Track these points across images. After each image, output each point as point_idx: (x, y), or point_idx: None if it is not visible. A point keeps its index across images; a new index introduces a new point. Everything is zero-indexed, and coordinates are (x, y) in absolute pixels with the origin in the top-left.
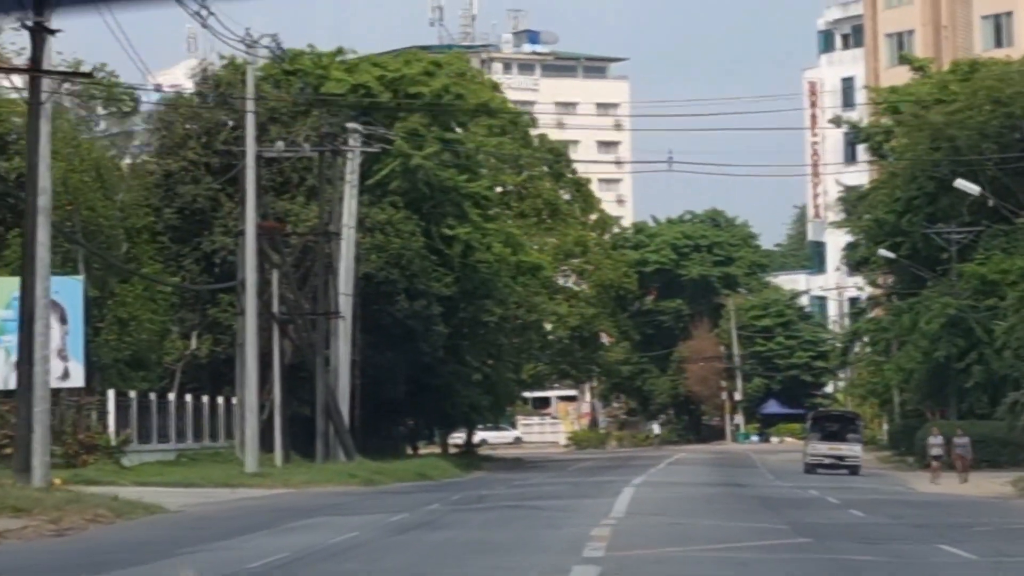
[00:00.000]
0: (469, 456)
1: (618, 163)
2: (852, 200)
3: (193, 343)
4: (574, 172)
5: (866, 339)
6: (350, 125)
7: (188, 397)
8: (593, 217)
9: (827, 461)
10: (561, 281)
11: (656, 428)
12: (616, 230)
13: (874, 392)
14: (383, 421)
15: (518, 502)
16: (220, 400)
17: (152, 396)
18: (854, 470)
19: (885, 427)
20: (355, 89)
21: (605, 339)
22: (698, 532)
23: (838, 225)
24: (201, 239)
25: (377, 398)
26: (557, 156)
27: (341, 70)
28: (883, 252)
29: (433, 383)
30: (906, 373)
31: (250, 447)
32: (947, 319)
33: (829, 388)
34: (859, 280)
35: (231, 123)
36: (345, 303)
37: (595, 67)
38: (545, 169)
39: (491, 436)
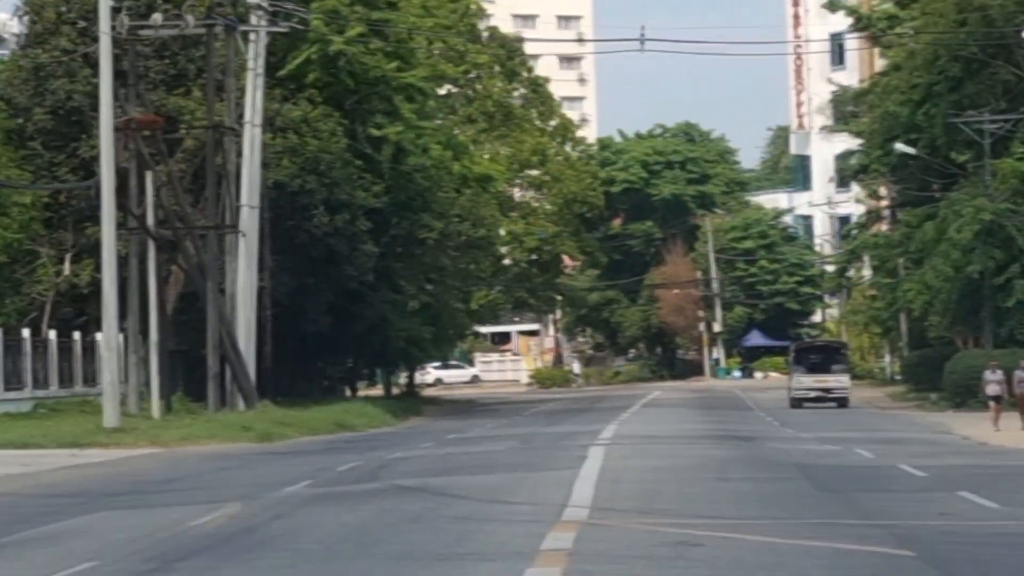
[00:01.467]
0: (410, 399)
1: (580, 40)
2: (848, 99)
3: (66, 268)
4: (530, 71)
5: (866, 258)
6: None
7: (52, 334)
8: (553, 123)
9: (813, 395)
10: (517, 196)
11: (619, 363)
12: (580, 145)
13: (876, 319)
14: (305, 360)
15: (427, 479)
16: (99, 337)
17: None
18: (842, 402)
19: (887, 359)
20: None
21: (568, 264)
22: (741, 563)
23: (833, 129)
24: (79, 143)
25: (295, 333)
26: (511, 52)
27: None
28: (901, 147)
29: (363, 313)
30: (931, 292)
31: (109, 395)
32: (982, 226)
33: (817, 317)
34: (851, 194)
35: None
36: (249, 217)
37: None
38: (496, 69)
39: (447, 375)
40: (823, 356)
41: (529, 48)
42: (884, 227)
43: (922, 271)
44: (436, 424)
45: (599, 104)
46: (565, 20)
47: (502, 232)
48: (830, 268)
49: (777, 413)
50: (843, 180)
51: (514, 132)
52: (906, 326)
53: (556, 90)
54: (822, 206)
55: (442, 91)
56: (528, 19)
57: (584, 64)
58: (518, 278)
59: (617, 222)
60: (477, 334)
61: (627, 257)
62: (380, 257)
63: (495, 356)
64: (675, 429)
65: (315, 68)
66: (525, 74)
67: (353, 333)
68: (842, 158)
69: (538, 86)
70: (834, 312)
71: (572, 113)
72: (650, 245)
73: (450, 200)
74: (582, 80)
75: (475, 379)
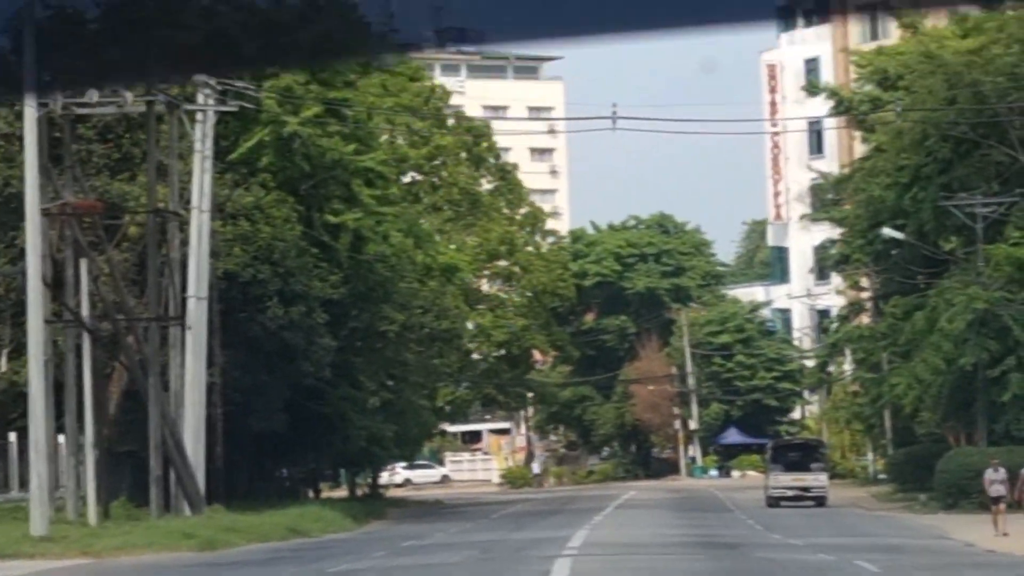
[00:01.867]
0: (374, 501)
1: (552, 126)
2: (830, 185)
3: (3, 365)
4: (498, 157)
5: (848, 352)
6: (199, 77)
7: None
8: (522, 212)
9: (791, 493)
10: (484, 288)
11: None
12: (551, 236)
13: (859, 416)
14: (263, 460)
15: None
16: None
17: None
18: (820, 501)
19: (870, 456)
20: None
21: (540, 360)
22: None
23: (813, 218)
24: (17, 232)
25: (249, 432)
26: (477, 137)
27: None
28: (888, 231)
29: (320, 411)
30: (922, 386)
31: (37, 501)
32: (975, 316)
33: (797, 414)
34: (831, 287)
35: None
36: (196, 308)
37: (526, 67)
38: (463, 155)
39: (416, 475)
40: (801, 454)
41: (500, 139)
42: (866, 319)
43: (912, 364)
44: (397, 529)
45: (571, 196)
46: (536, 110)
47: (469, 325)
48: (810, 363)
49: (759, 515)
50: (822, 272)
51: (481, 221)
52: (890, 422)
53: (527, 183)
54: (801, 298)
55: (406, 179)
56: (498, 109)
57: (556, 156)
58: (486, 374)
59: (590, 316)
60: (444, 433)
61: (600, 353)
62: (338, 351)
63: (466, 455)
64: (652, 535)
65: (268, 151)
66: (492, 160)
67: (311, 432)
68: (821, 249)
69: (506, 173)
70: (814, 408)
71: (544, 206)
72: (624, 340)
73: (412, 291)
74: (554, 172)
75: (445, 479)
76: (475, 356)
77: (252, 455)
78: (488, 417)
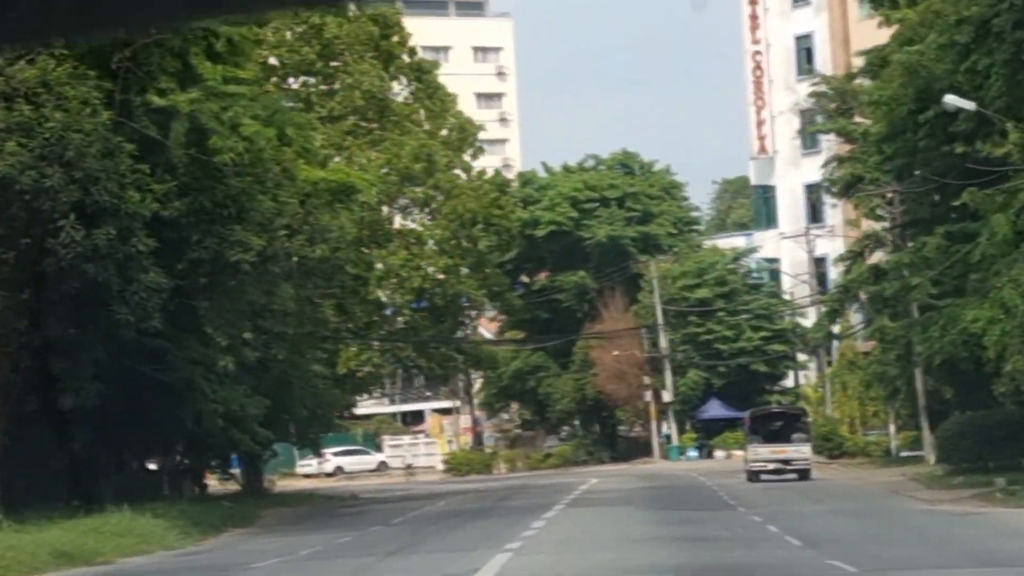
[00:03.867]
0: (251, 499)
1: (501, 75)
2: (840, 86)
3: None
4: (413, 54)
5: (868, 294)
6: None
7: None
8: (447, 128)
9: (771, 466)
10: (398, 222)
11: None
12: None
13: (882, 378)
14: (115, 450)
15: None
16: None
17: None
18: (803, 474)
19: (892, 430)
20: None
21: (484, 328)
22: None
23: (816, 130)
24: None
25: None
26: (386, 29)
27: None
28: (954, 100)
29: (157, 379)
30: (1010, 320)
31: None
32: None
33: (789, 381)
34: (829, 228)
35: None
36: None
37: (470, 2)
38: (370, 56)
39: (348, 462)
40: (781, 424)
41: (445, 81)
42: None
43: (996, 291)
44: (244, 545)
45: (524, 148)
46: (483, 52)
47: (379, 267)
48: (806, 321)
49: (778, 514)
50: (816, 213)
51: (392, 134)
52: (922, 387)
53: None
54: (797, 237)
55: (295, 83)
56: (440, 50)
57: (505, 102)
58: (404, 333)
59: (543, 275)
60: (350, 411)
61: (555, 315)
62: (175, 294)
63: (407, 439)
64: (617, 558)
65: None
66: (407, 59)
67: (150, 407)
68: (814, 188)
69: (424, 73)
70: (811, 375)
71: (493, 159)
72: (583, 299)
73: (277, 207)
74: (503, 120)
75: (383, 467)
76: (390, 312)
77: (99, 442)
78: (429, 395)
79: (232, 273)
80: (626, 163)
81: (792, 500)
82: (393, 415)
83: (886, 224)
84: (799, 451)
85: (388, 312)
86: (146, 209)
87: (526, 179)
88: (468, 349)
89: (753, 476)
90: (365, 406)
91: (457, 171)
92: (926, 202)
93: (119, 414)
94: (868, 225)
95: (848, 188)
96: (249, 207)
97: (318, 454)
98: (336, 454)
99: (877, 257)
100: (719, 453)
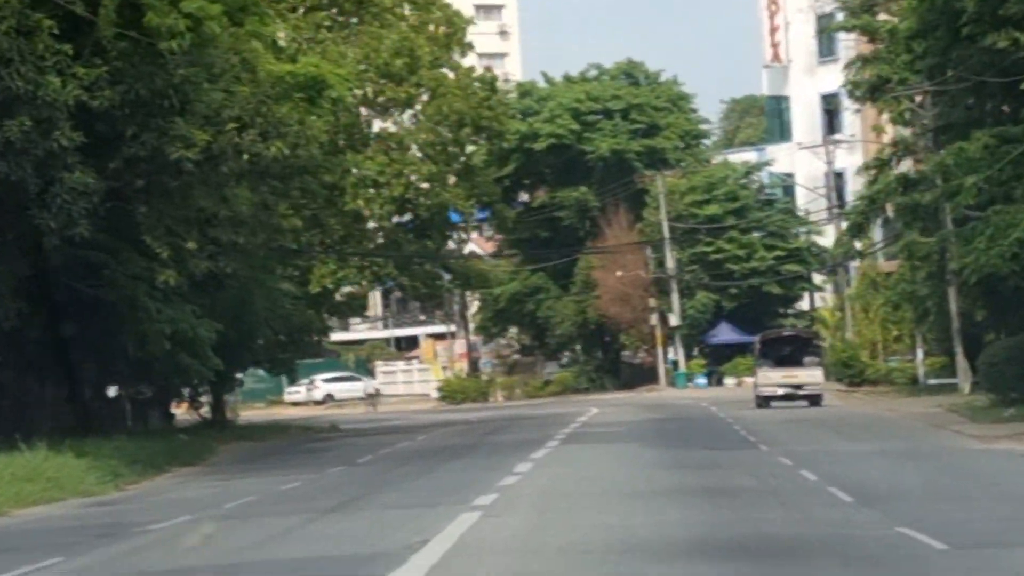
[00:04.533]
0: (212, 430)
1: None
2: None
3: None
4: None
5: (897, 205)
6: None
7: None
8: (433, 23)
9: (781, 392)
10: (377, 126)
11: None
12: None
13: (911, 298)
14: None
15: None
16: None
17: None
18: (814, 400)
19: (919, 353)
20: None
21: (480, 247)
22: None
23: (849, 25)
24: None
25: None
26: None
27: None
28: None
29: (94, 296)
30: None
31: None
32: None
33: (804, 304)
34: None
35: None
36: None
37: None
38: None
39: (339, 389)
40: (793, 348)
41: None
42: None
43: None
44: (174, 491)
45: (525, 63)
46: None
47: (354, 171)
48: (823, 240)
49: (810, 455)
50: (832, 125)
51: (372, 27)
52: (956, 306)
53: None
54: (815, 147)
55: None
56: None
57: (505, 14)
58: (385, 247)
59: (540, 194)
60: (325, 334)
61: (555, 234)
62: (108, 196)
63: (400, 365)
64: (616, 523)
65: None
66: None
67: (91, 330)
68: (831, 99)
69: None
70: (827, 297)
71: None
72: (584, 216)
73: (226, 97)
74: (503, 33)
75: (376, 394)
76: (372, 225)
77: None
78: (423, 318)
79: (174, 173)
80: (631, 73)
81: (821, 436)
82: (387, 340)
83: (915, 131)
84: (811, 375)
85: (370, 226)
86: (69, 97)
87: (525, 90)
88: (456, 267)
89: (763, 401)
90: (358, 330)
91: (444, 70)
92: (960, 104)
93: (48, 337)
94: (895, 133)
95: (873, 91)
96: (194, 98)
97: (293, 381)
98: (327, 381)
99: (905, 166)
100: (729, 380)
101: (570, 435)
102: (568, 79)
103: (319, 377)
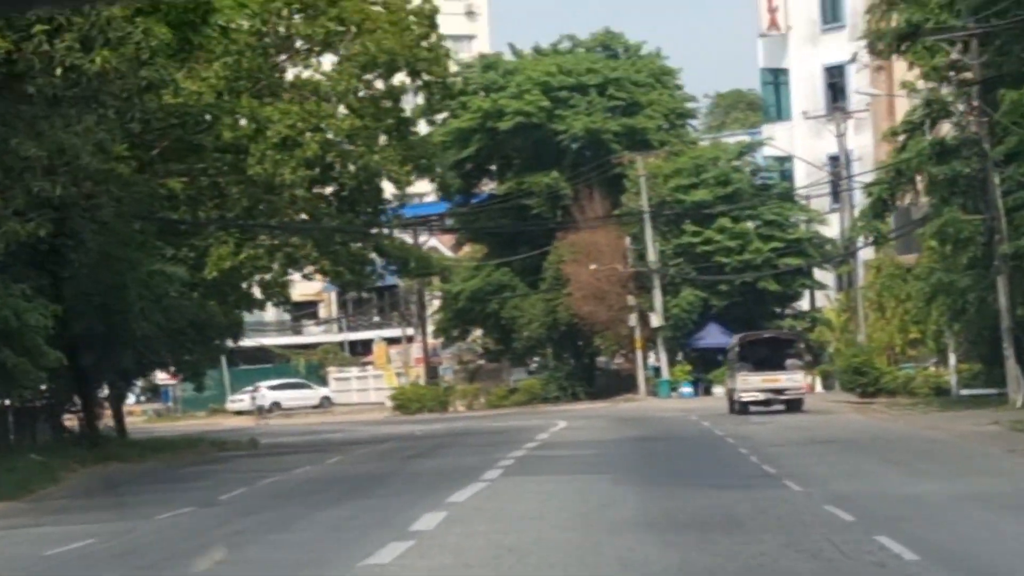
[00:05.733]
0: (78, 447)
1: None
2: None
3: None
4: None
5: (932, 176)
6: None
7: None
8: None
9: (761, 397)
10: (291, 74)
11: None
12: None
13: (948, 289)
14: None
15: None
16: None
17: None
18: (794, 406)
19: (952, 362)
20: None
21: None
22: None
23: None
24: None
25: None
26: None
27: None
28: None
29: None
30: None
31: None
32: None
33: (804, 303)
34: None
35: None
36: None
37: None
38: None
39: (287, 397)
40: (772, 350)
41: None
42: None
43: None
44: None
45: (493, 45)
46: None
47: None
48: (827, 230)
49: (865, 498)
50: (837, 96)
51: None
52: (1005, 301)
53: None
54: (820, 118)
55: None
56: None
57: None
58: (306, 222)
59: (499, 183)
60: (233, 335)
61: (523, 222)
62: None
63: (355, 371)
64: None
65: None
66: None
67: None
68: (835, 72)
69: None
70: (831, 295)
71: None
72: (556, 204)
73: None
74: (470, 13)
75: (326, 402)
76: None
77: None
78: (378, 320)
79: None
80: (608, 45)
81: (866, 466)
82: (341, 344)
83: (954, 88)
84: (792, 379)
85: (283, 196)
86: None
87: (489, 63)
88: (390, 248)
89: (741, 407)
90: (311, 334)
91: (374, 5)
92: (1014, 52)
93: None
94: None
95: (901, 41)
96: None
97: (200, 388)
98: (273, 388)
99: (943, 131)
100: (718, 389)
101: (521, 460)
102: (538, 51)
103: (264, 384)
